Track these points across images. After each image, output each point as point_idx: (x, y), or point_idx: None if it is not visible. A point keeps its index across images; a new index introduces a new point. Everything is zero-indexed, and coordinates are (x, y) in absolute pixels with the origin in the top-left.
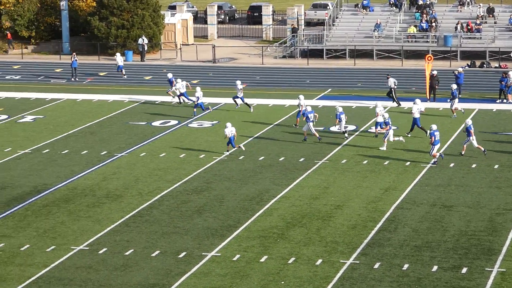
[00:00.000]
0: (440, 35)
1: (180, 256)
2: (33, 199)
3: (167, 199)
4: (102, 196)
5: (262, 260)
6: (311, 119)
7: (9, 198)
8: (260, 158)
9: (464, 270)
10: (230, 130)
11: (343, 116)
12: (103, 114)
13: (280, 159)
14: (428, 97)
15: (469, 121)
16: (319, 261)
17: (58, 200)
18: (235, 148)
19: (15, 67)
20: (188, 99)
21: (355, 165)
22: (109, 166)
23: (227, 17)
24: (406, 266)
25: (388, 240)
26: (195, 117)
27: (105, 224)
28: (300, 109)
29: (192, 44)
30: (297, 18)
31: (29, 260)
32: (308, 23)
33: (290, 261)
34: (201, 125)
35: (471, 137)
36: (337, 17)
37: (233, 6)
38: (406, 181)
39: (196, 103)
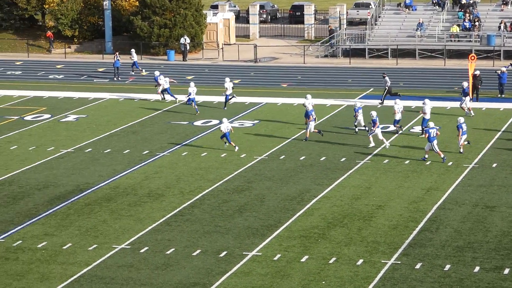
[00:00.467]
0: (483, 35)
1: (221, 255)
2: (75, 198)
3: (208, 198)
4: (143, 195)
5: (303, 260)
6: (314, 118)
7: (52, 196)
8: (301, 158)
9: (507, 271)
10: (226, 126)
11: (360, 111)
12: (145, 114)
13: (322, 159)
14: (471, 97)
15: (461, 119)
16: (360, 261)
17: (100, 199)
18: (230, 145)
19: (58, 66)
20: (171, 95)
21: (397, 165)
22: (151, 165)
23: (269, 17)
24: (448, 266)
25: (430, 240)
26: (197, 113)
27: (147, 223)
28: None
29: (234, 43)
30: (339, 17)
31: (71, 258)
32: (350, 22)
33: (331, 261)
34: (242, 124)
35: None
36: (379, 16)
37: (275, 6)
38: (448, 181)
39: (188, 98)
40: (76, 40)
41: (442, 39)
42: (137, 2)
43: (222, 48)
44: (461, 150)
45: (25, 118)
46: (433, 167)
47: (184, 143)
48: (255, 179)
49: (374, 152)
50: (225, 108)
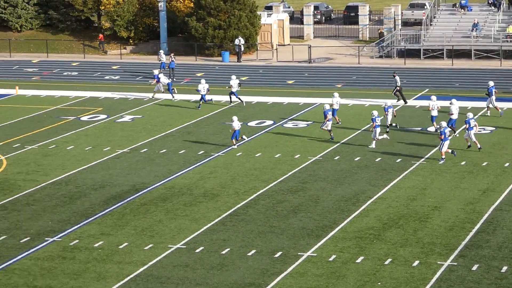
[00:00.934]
0: None
1: (276, 255)
2: (131, 197)
3: (263, 198)
4: (199, 195)
5: (358, 260)
6: (330, 118)
7: (108, 196)
8: (356, 159)
9: None
10: (237, 124)
11: (390, 110)
12: (200, 114)
13: (377, 160)
14: None
15: (470, 114)
16: (416, 262)
17: (156, 198)
18: (239, 140)
19: (114, 67)
20: (170, 92)
21: (453, 166)
22: (206, 165)
23: (323, 17)
24: (504, 268)
25: (487, 242)
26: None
27: (202, 222)
28: (334, 107)
29: (288, 44)
30: (394, 18)
31: (127, 258)
32: (405, 23)
33: (386, 262)
34: (296, 125)
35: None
36: (434, 17)
37: (330, 6)
38: (505, 183)
39: (201, 95)
40: (131, 41)
41: (498, 39)
42: (192, 3)
43: (276, 49)
44: (478, 145)
45: (82, 119)
46: (489, 168)
47: (238, 144)
48: (310, 179)
49: (430, 153)
50: (244, 104)
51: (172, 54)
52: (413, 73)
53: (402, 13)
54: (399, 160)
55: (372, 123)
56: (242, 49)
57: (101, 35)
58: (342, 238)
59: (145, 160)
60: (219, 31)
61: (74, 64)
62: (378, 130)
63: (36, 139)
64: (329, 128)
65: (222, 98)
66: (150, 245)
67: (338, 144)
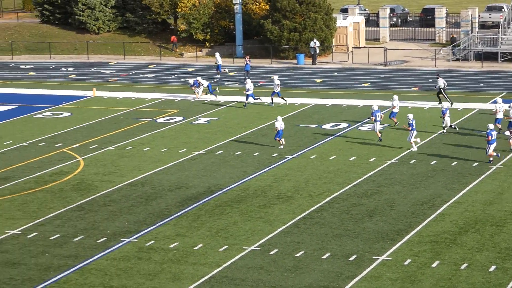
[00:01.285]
0: None
1: (351, 259)
2: (206, 199)
3: (337, 201)
4: (273, 197)
5: (434, 265)
6: (378, 119)
7: (184, 197)
8: (432, 162)
9: None
10: (280, 124)
11: (447, 113)
12: (275, 117)
13: (453, 164)
14: None
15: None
16: (493, 267)
17: (230, 200)
18: (279, 142)
19: (190, 69)
20: (211, 92)
21: None
22: (280, 168)
23: (399, 20)
24: None
25: None
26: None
27: (276, 225)
28: (392, 109)
29: (364, 47)
30: (471, 20)
31: (202, 259)
32: (483, 26)
33: (462, 267)
34: (372, 128)
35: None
36: None
37: (406, 9)
38: None
39: (247, 95)
40: (207, 44)
41: None
42: (268, 6)
43: (351, 52)
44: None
45: (158, 121)
46: None
47: (312, 146)
48: (385, 183)
49: (507, 158)
50: (273, 105)
51: (247, 56)
52: (490, 76)
53: (479, 15)
54: (475, 164)
55: (408, 127)
56: (317, 51)
57: (173, 37)
58: (417, 242)
59: (220, 162)
60: (294, 34)
61: (150, 66)
62: (414, 133)
63: (113, 140)
64: (377, 129)
65: (296, 100)
66: (225, 247)
67: (417, 145)
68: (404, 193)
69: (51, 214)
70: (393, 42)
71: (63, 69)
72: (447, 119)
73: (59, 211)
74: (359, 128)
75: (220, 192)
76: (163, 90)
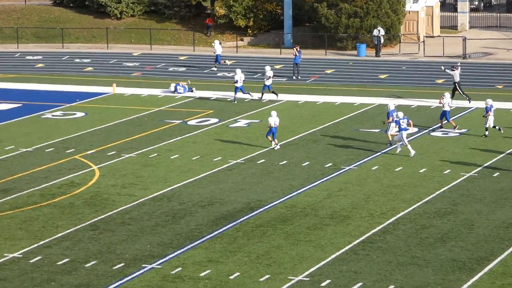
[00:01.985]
0: None
1: None
2: (245, 217)
3: (403, 222)
4: (325, 217)
5: None
6: (394, 120)
7: (218, 216)
8: None
9: None
10: (274, 120)
11: (492, 111)
12: (329, 119)
13: None
14: None
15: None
16: None
17: (274, 219)
18: (269, 139)
19: (228, 62)
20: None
21: None
22: (334, 180)
23: (482, 4)
24: None
25: None
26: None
27: (329, 250)
28: (445, 109)
29: (438, 36)
30: None
31: None
32: None
33: None
34: (446, 133)
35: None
36: None
37: None
38: None
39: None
40: (250, 31)
41: None
42: None
43: (423, 41)
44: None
45: (189, 123)
46: None
47: (375, 155)
48: (462, 200)
49: None
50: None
51: (297, 47)
52: None
53: None
54: None
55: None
56: (382, 41)
57: (209, 19)
58: (501, 274)
59: (262, 173)
60: (354, 20)
61: (181, 58)
62: (393, 125)
63: (134, 146)
64: (392, 132)
65: (355, 99)
66: (267, 276)
67: (498, 157)
68: (486, 212)
69: (59, 234)
70: (473, 30)
71: (77, 60)
72: (491, 118)
73: (68, 231)
74: (431, 133)
75: (261, 209)
76: (195, 87)
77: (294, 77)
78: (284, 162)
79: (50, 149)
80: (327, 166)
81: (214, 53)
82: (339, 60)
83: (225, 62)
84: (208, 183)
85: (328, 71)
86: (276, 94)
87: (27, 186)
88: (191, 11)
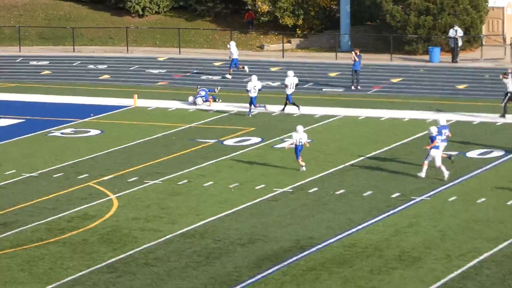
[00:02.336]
0: None
1: None
2: (293, 259)
3: (487, 266)
4: (392, 258)
5: None
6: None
7: (260, 256)
8: None
9: None
10: (299, 137)
11: None
12: (396, 139)
13: None
14: None
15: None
16: None
17: (329, 261)
18: (297, 162)
19: (273, 69)
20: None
21: None
22: (402, 214)
23: None
24: None
25: None
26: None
27: None
28: None
29: None
30: None
31: None
32: None
33: None
34: None
35: None
36: None
37: None
38: None
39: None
40: (299, 32)
41: None
42: None
43: (510, 44)
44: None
45: (225, 143)
46: None
47: (452, 183)
48: None
49: None
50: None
51: (357, 50)
52: None
53: None
54: None
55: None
56: (460, 43)
57: (249, 13)
58: None
59: (314, 204)
60: (425, 18)
61: (216, 63)
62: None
63: (160, 170)
64: (438, 163)
65: (427, 115)
66: None
67: None
68: None
69: (69, 278)
70: None
71: (91, 66)
72: None
73: (80, 273)
74: None
75: (313, 249)
76: (232, 99)
77: (353, 87)
78: (342, 191)
79: (58, 174)
80: (393, 196)
81: (230, 57)
82: (408, 67)
83: (243, 68)
84: (248, 216)
85: (394, 80)
86: (298, 107)
87: (31, 219)
88: (228, 7)
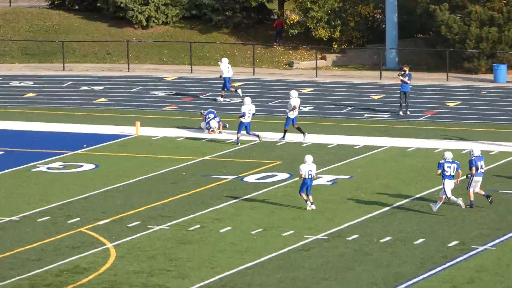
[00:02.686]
0: None
1: None
2: None
3: None
4: None
5: None
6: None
7: None
8: None
9: None
10: (308, 169)
11: None
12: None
13: None
14: None
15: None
16: None
17: None
18: (306, 202)
19: (304, 90)
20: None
21: None
22: (462, 267)
23: None
24: None
25: None
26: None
27: None
28: None
29: None
30: None
31: None
32: None
33: None
34: None
35: None
36: None
37: None
38: None
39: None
40: (335, 46)
41: None
42: None
43: None
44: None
45: (246, 180)
46: None
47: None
48: None
49: None
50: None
51: (406, 68)
52: None
53: None
54: None
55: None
56: None
57: (278, 21)
58: None
59: (355, 254)
60: (489, 29)
61: (235, 83)
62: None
63: (167, 213)
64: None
65: (492, 147)
66: None
67: None
68: None
69: None
70: None
71: (85, 88)
72: None
73: None
74: None
75: None
76: (253, 126)
77: (401, 113)
78: (387, 238)
79: (44, 218)
80: (451, 245)
81: (220, 76)
82: (467, 88)
83: (236, 90)
84: (275, 269)
85: (451, 104)
86: (304, 133)
87: (11, 273)
88: (249, 16)
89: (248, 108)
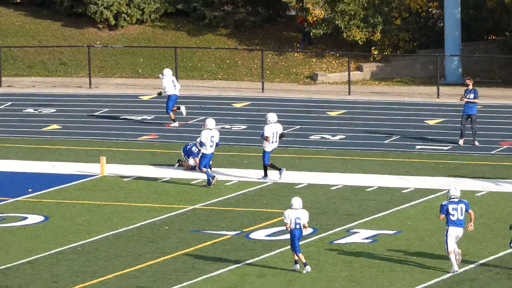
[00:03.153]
0: None
1: None
2: None
3: None
4: None
5: None
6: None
7: None
8: None
9: None
10: (295, 216)
11: None
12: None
13: None
14: None
15: None
16: None
17: None
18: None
19: (332, 113)
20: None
21: None
22: None
23: None
24: None
25: None
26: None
27: None
28: None
29: None
30: None
31: None
32: None
33: None
34: None
35: None
36: None
37: None
38: None
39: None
40: (375, 52)
41: None
42: None
43: None
44: None
45: (252, 236)
46: None
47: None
48: None
49: None
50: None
51: (470, 82)
52: None
53: None
54: None
55: None
56: None
57: (301, 19)
58: None
59: None
60: None
61: (237, 105)
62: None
63: (143, 283)
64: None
65: None
66: None
67: None
68: None
69: None
70: None
71: (30, 110)
72: None
73: None
74: None
75: None
76: (259, 163)
77: (461, 142)
78: None
79: None
80: None
81: (160, 93)
82: None
83: (178, 109)
84: None
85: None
86: (279, 170)
87: None
88: (256, 12)
89: (211, 134)
